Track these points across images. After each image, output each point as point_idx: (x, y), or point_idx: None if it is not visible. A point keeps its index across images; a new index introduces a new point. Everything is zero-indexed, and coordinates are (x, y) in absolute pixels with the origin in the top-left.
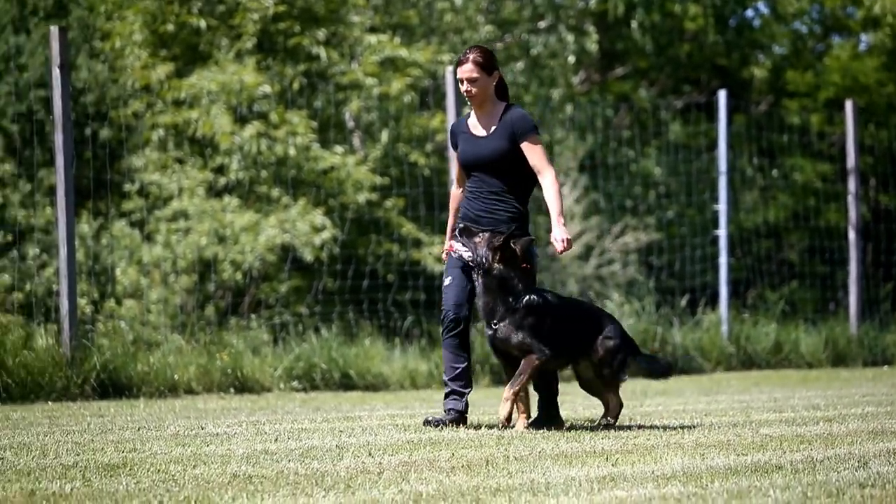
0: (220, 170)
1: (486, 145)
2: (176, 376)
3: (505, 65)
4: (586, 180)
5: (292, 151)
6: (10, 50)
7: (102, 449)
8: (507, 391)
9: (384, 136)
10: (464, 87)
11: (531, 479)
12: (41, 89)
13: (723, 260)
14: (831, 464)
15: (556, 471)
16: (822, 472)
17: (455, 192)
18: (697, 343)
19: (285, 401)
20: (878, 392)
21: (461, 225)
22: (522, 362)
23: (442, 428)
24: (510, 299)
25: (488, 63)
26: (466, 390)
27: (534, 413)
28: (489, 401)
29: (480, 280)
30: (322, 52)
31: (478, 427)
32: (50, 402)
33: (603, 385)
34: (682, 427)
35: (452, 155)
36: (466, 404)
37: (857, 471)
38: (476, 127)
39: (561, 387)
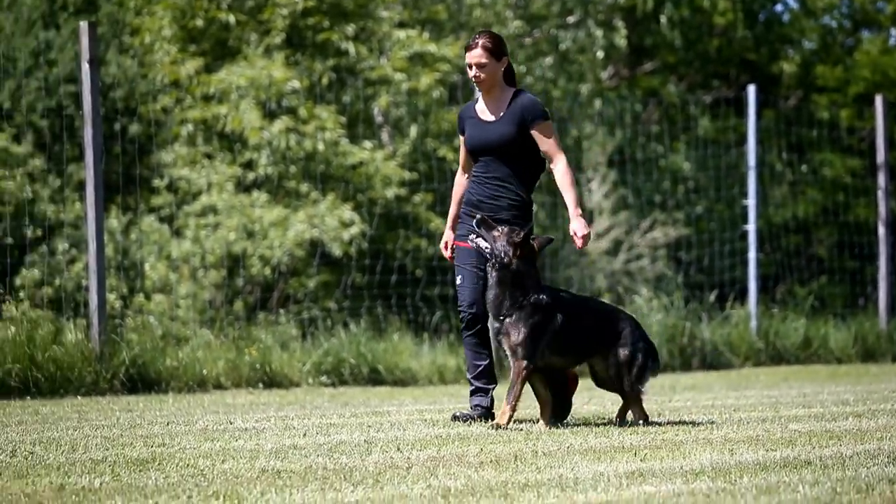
0: (249, 165)
1: (495, 130)
2: (205, 371)
3: (534, 60)
4: (615, 175)
5: (321, 147)
6: (39, 45)
7: (131, 444)
8: (505, 404)
9: (413, 131)
10: (472, 73)
11: (560, 475)
12: (71, 85)
13: (752, 255)
14: (861, 459)
15: (585, 466)
16: (851, 467)
17: (459, 179)
18: (726, 338)
19: (314, 396)
20: None
21: (479, 216)
22: (512, 370)
23: (470, 423)
24: (519, 295)
25: (497, 48)
26: (490, 386)
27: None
28: None
29: (495, 273)
30: (351, 47)
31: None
32: (79, 397)
33: (623, 397)
34: (711, 422)
35: (459, 141)
36: (492, 400)
37: (886, 466)
38: (484, 112)
39: (585, 383)
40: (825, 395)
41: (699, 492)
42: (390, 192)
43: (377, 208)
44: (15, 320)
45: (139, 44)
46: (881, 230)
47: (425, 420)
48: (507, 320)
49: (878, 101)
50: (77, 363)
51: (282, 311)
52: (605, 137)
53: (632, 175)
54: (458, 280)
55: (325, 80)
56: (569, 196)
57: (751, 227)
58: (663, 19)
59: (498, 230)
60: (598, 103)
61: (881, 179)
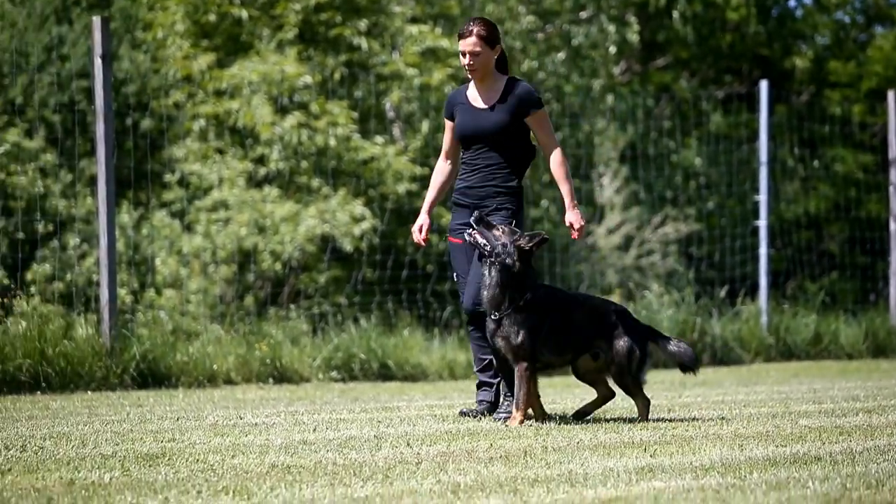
0: (261, 160)
1: (488, 118)
2: (215, 366)
3: (546, 55)
4: (627, 171)
5: (333, 142)
6: (52, 40)
7: (141, 439)
8: (515, 410)
9: (424, 126)
10: (465, 60)
11: (569, 470)
12: (83, 80)
13: (763, 251)
14: (871, 455)
15: (595, 461)
16: (861, 463)
17: (441, 166)
18: (737, 334)
19: (324, 391)
20: None
21: (476, 213)
22: (515, 374)
23: (480, 418)
24: (518, 295)
25: (491, 36)
26: (496, 380)
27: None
28: None
29: (494, 273)
30: (363, 42)
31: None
32: (89, 392)
33: (626, 391)
34: (721, 418)
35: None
36: (497, 393)
37: None
38: (476, 99)
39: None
40: (835, 391)
41: (709, 487)
42: (402, 188)
43: (388, 203)
44: (26, 315)
45: (152, 39)
46: (892, 226)
47: (435, 415)
48: (506, 321)
49: (891, 96)
50: (87, 358)
51: (292, 306)
52: (617, 133)
53: (643, 170)
54: (458, 279)
55: (337, 76)
56: (564, 188)
57: (762, 223)
58: (676, 15)
59: (498, 229)
60: (610, 99)
61: (893, 175)
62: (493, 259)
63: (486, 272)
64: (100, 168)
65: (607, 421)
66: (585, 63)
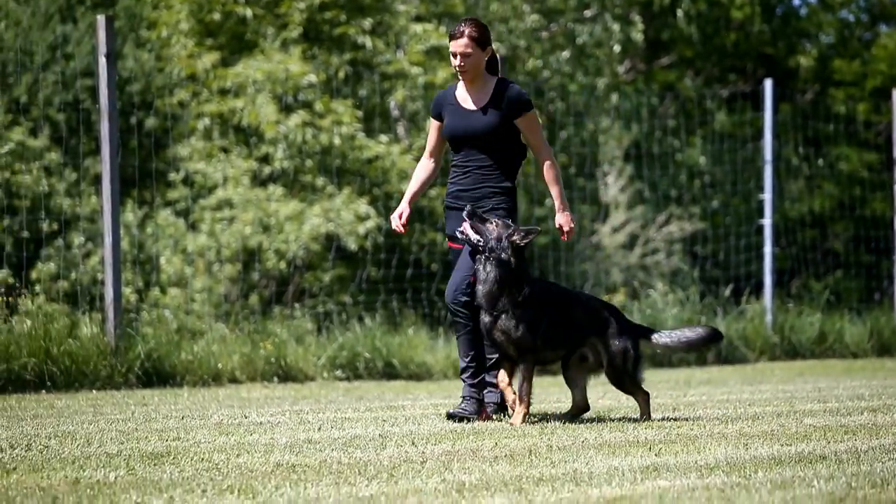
0: (265, 159)
1: (479, 120)
2: (220, 365)
3: (551, 54)
4: (631, 170)
5: (337, 141)
6: (57, 39)
7: (146, 438)
8: (518, 405)
9: (429, 125)
10: (456, 61)
11: (574, 469)
12: (87, 78)
13: (767, 249)
14: (876, 454)
15: (600, 460)
16: (866, 462)
17: (424, 163)
18: (741, 333)
19: (328, 390)
20: None
21: (468, 208)
22: (521, 367)
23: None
24: (515, 291)
25: (483, 38)
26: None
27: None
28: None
29: (490, 268)
30: (368, 41)
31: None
32: (94, 391)
33: (625, 392)
34: (726, 417)
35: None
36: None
37: None
38: (466, 100)
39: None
40: (840, 390)
41: (714, 486)
42: (406, 187)
43: (393, 202)
44: (30, 314)
45: (156, 38)
46: None
47: (440, 414)
48: (504, 316)
49: None
50: (92, 357)
51: (297, 305)
52: (622, 131)
53: (648, 169)
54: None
55: (341, 74)
56: (554, 191)
57: (766, 222)
58: (680, 13)
59: (492, 223)
60: (614, 97)
61: None
62: (487, 255)
63: (482, 268)
64: (104, 167)
65: (612, 420)
66: (590, 62)
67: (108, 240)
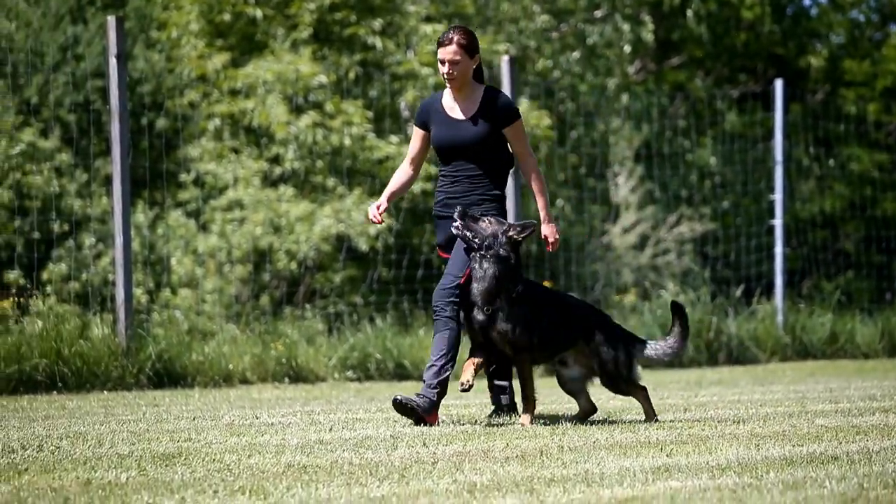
0: (276, 159)
1: (468, 129)
2: (231, 366)
3: (561, 54)
4: (642, 170)
5: (347, 141)
6: (67, 40)
7: (157, 438)
8: (526, 403)
9: None
10: (444, 69)
11: (585, 470)
12: (98, 79)
13: (778, 250)
14: (887, 455)
15: (611, 461)
16: (878, 462)
17: (406, 168)
18: (752, 333)
19: (340, 390)
20: None
21: (460, 208)
22: (521, 367)
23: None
24: (510, 288)
25: (471, 45)
26: (505, 383)
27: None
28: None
29: (486, 265)
30: (378, 41)
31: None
32: (105, 392)
33: (623, 395)
34: (737, 418)
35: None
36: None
37: None
38: (453, 109)
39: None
40: (852, 391)
41: (725, 487)
42: (416, 187)
43: (403, 203)
44: (42, 315)
45: (166, 38)
46: None
47: (451, 415)
48: (501, 314)
49: None
50: (103, 358)
51: (308, 305)
52: (632, 132)
53: (658, 170)
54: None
55: (351, 75)
56: (540, 202)
57: (777, 222)
58: (690, 13)
59: (485, 221)
60: (624, 98)
61: None
62: (483, 252)
63: (477, 266)
64: (115, 168)
65: (623, 421)
66: (600, 62)
67: (118, 241)
